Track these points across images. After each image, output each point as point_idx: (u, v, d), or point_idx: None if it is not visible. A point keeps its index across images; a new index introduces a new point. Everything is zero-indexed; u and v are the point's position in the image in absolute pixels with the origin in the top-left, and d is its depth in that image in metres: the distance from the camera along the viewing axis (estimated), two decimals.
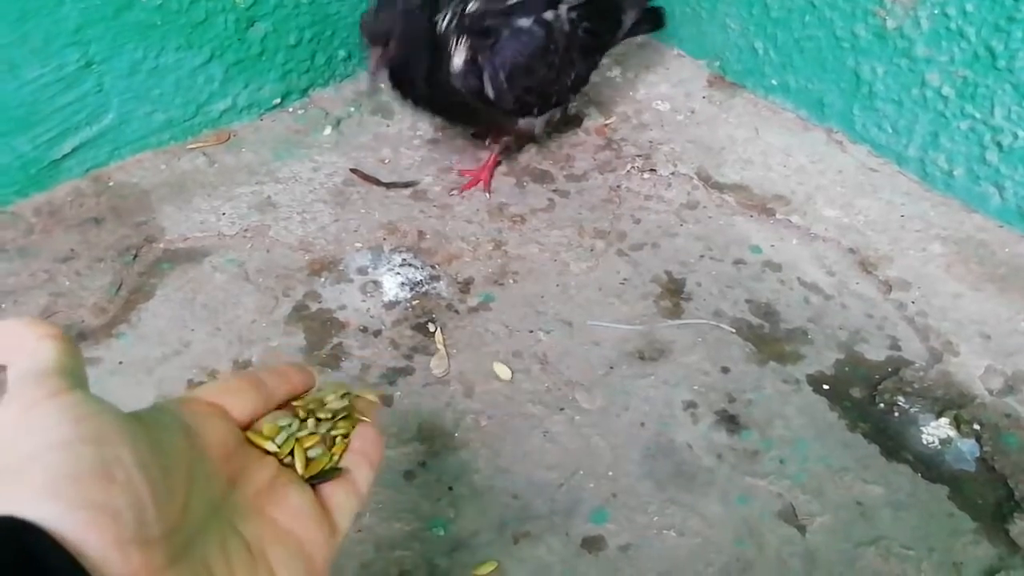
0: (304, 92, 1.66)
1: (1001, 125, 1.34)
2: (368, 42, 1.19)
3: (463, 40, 1.23)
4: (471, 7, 1.24)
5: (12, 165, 1.35)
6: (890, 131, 1.50)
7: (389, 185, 1.46)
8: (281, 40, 1.56)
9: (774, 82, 1.65)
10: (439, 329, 1.23)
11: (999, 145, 1.36)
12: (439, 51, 1.23)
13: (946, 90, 1.39)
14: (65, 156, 1.40)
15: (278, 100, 1.62)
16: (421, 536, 0.99)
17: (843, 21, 1.48)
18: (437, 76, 1.24)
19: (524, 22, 1.26)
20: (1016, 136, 1.33)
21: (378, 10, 1.18)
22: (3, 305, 1.24)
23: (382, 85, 1.29)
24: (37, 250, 1.33)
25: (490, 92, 1.26)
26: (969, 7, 1.30)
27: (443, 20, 1.22)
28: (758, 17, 1.61)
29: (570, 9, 1.31)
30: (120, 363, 1.17)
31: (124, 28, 1.36)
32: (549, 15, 1.28)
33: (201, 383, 1.15)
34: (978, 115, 1.36)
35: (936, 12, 1.35)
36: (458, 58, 1.24)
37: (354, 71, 1.72)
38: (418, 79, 1.24)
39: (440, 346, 1.20)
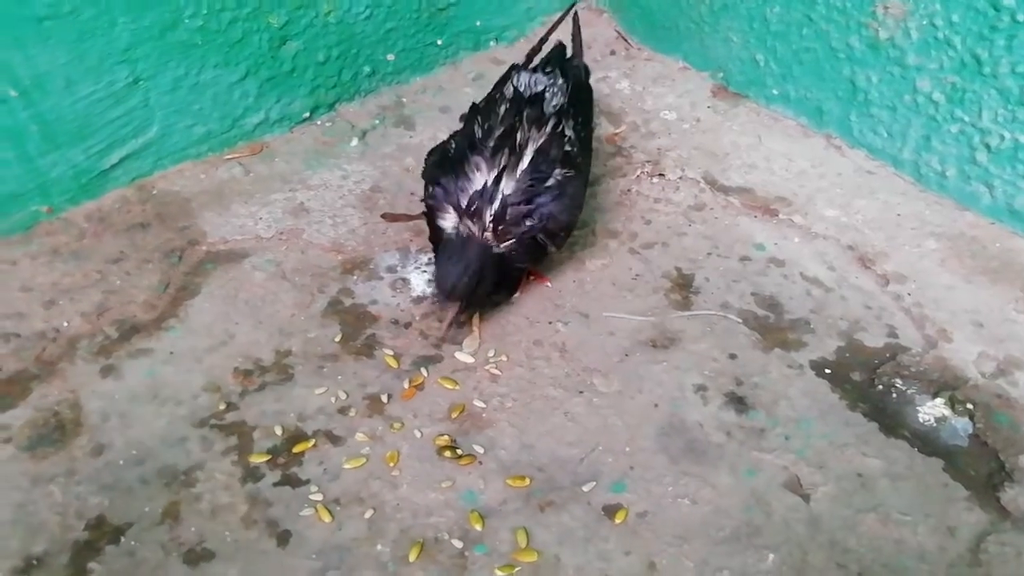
0: (331, 106, 1.76)
1: (989, 127, 1.43)
2: (447, 301, 1.23)
3: (509, 231, 1.24)
4: (505, 192, 1.23)
5: (66, 175, 1.45)
6: (885, 135, 1.59)
7: (420, 216, 1.51)
8: (311, 58, 1.67)
9: (775, 92, 1.75)
10: (477, 314, 1.32)
11: (987, 147, 1.44)
12: (499, 260, 1.25)
13: (936, 96, 1.48)
14: (113, 166, 1.51)
15: (307, 114, 1.73)
16: (454, 505, 1.07)
17: (839, 33, 1.58)
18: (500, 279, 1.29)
19: (557, 174, 1.27)
20: (1003, 137, 1.42)
21: (453, 271, 1.20)
22: (60, 302, 1.34)
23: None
24: (89, 253, 1.43)
25: (552, 250, 1.31)
26: (955, 17, 1.40)
27: (485, 214, 1.22)
28: (759, 31, 1.71)
29: (570, 120, 1.33)
30: (171, 353, 1.26)
31: (169, 47, 1.47)
32: (567, 147, 1.30)
33: (247, 371, 1.24)
34: (967, 119, 1.45)
35: (925, 23, 1.44)
36: (507, 246, 1.24)
37: (377, 86, 1.82)
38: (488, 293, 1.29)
39: (475, 328, 1.30)
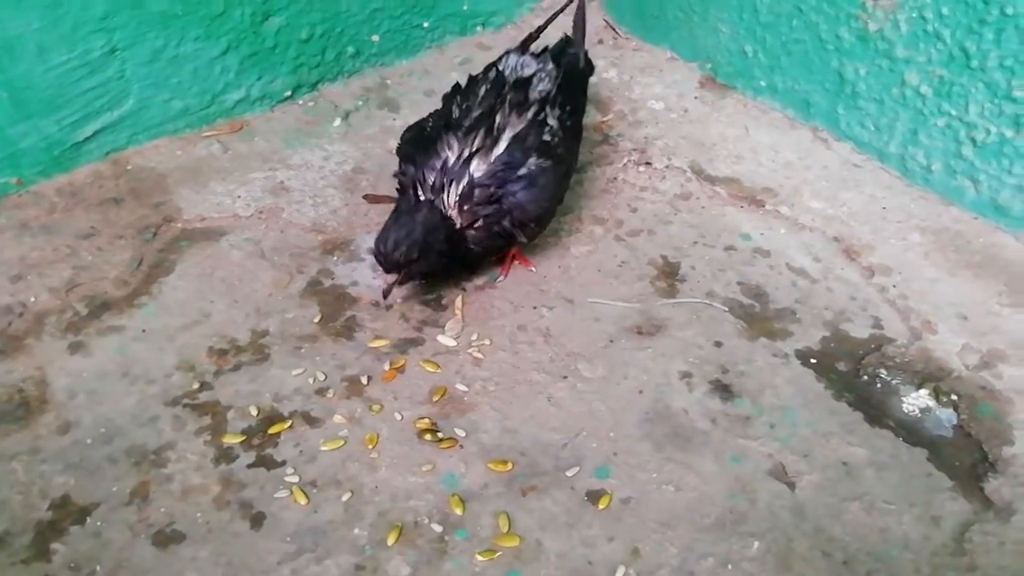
0: (314, 86, 1.73)
1: (975, 122, 1.43)
2: (385, 269, 1.19)
3: (475, 212, 1.21)
4: (475, 174, 1.21)
5: (37, 146, 1.41)
6: (872, 129, 1.59)
7: None
8: (294, 35, 1.63)
9: (763, 83, 1.74)
10: (460, 297, 1.30)
11: (973, 141, 1.44)
12: (453, 235, 1.21)
13: (924, 89, 1.48)
14: (87, 139, 1.46)
15: (289, 93, 1.69)
16: (434, 488, 1.04)
17: (827, 24, 1.57)
18: (452, 255, 1.24)
19: (532, 163, 1.24)
20: (989, 132, 1.42)
21: (394, 234, 1.16)
22: (28, 277, 1.29)
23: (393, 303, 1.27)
24: (59, 227, 1.38)
25: (523, 239, 1.28)
26: (945, 10, 1.40)
27: (451, 192, 1.21)
28: (748, 21, 1.70)
29: (556, 108, 1.31)
30: (143, 331, 1.23)
31: (147, 17, 1.43)
32: (547, 136, 1.27)
33: (222, 351, 1.21)
34: (954, 112, 1.45)
35: (914, 15, 1.44)
36: (476, 232, 1.23)
37: (361, 68, 1.79)
38: (436, 268, 1.24)
39: (458, 311, 1.27)
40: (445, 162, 1.22)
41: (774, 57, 1.69)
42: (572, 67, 1.40)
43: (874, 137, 1.59)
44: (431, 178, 1.21)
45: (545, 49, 1.43)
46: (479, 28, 1.92)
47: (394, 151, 1.33)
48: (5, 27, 1.28)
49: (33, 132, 1.39)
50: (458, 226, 1.21)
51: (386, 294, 1.21)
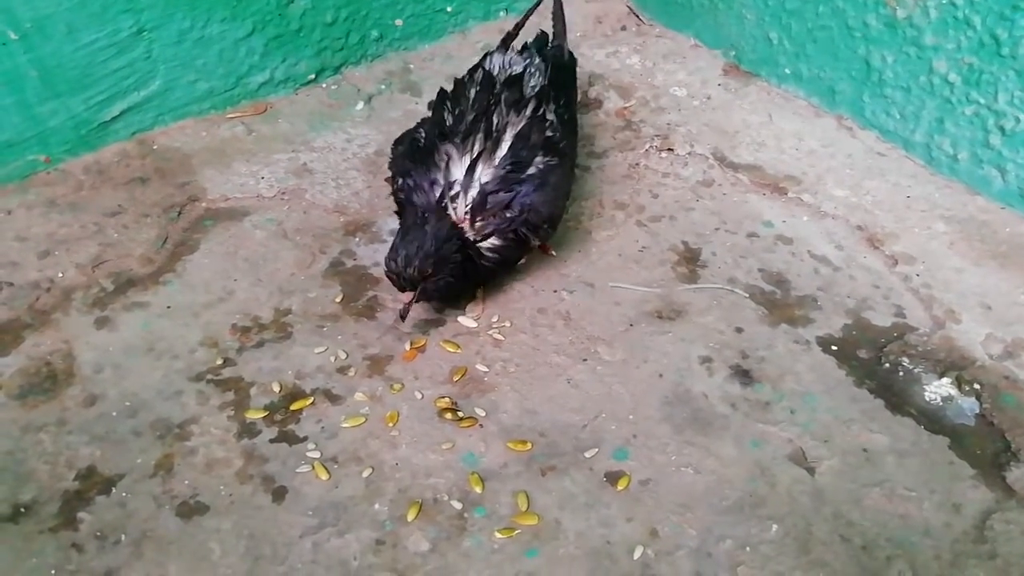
0: (337, 69, 1.73)
1: (1004, 110, 1.41)
2: (399, 287, 1.14)
3: (487, 222, 1.17)
4: (483, 179, 1.17)
5: (65, 125, 1.43)
6: (898, 117, 1.57)
7: None
8: (319, 18, 1.64)
9: (787, 71, 1.73)
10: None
11: (1002, 129, 1.43)
12: (466, 246, 1.16)
13: (952, 77, 1.46)
14: (114, 119, 1.48)
15: (313, 76, 1.70)
16: (454, 466, 1.05)
17: (855, 11, 1.55)
18: (465, 268, 1.18)
19: (539, 162, 1.21)
20: (1018, 120, 1.40)
21: (404, 250, 1.11)
22: (56, 253, 1.31)
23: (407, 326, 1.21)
24: (86, 205, 1.40)
25: (535, 243, 1.24)
26: None
27: (459, 204, 1.16)
28: (774, 8, 1.69)
29: (551, 103, 1.28)
30: (168, 307, 1.24)
31: None
32: (549, 132, 1.24)
33: (246, 328, 1.22)
34: (982, 101, 1.43)
35: (944, 1, 1.42)
36: (489, 242, 1.18)
37: (384, 51, 1.79)
38: (452, 282, 1.18)
39: (478, 293, 1.28)
40: (447, 173, 1.17)
41: (799, 44, 1.68)
42: (558, 60, 1.39)
43: (900, 126, 1.58)
44: (434, 192, 1.16)
45: (525, 45, 1.41)
46: (502, 13, 1.92)
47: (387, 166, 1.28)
48: (36, 6, 1.30)
49: (62, 111, 1.41)
50: (471, 238, 1.16)
51: (403, 315, 1.14)
